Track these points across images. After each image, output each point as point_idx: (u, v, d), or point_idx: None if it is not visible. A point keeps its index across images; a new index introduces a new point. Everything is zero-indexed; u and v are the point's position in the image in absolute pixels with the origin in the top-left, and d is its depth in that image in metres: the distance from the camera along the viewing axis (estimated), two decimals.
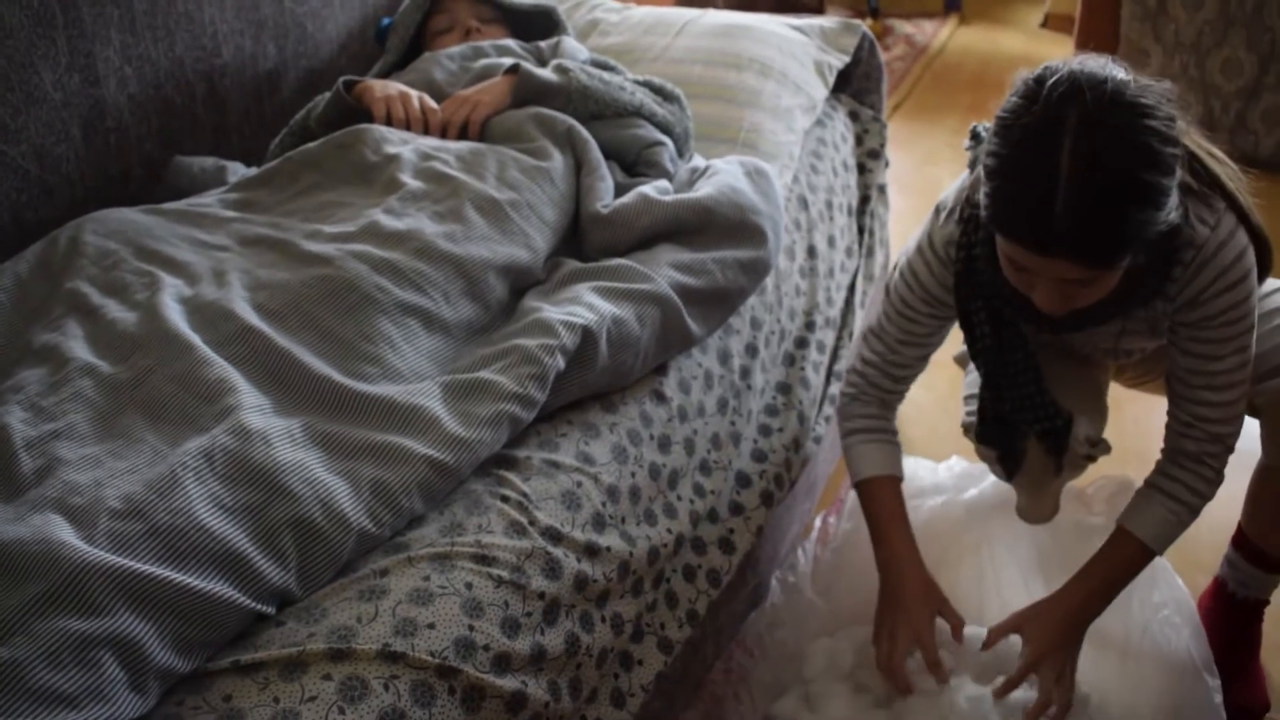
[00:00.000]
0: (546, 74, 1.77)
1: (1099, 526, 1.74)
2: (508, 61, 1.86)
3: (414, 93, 1.78)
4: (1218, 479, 1.54)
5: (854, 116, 2.32)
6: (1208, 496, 1.55)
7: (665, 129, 1.82)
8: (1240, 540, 1.80)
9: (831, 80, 2.22)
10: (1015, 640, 1.59)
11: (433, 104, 1.77)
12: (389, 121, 1.74)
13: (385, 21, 2.26)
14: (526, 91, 1.76)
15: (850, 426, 1.68)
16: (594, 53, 2.10)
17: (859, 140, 2.31)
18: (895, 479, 1.66)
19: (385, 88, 1.79)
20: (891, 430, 1.70)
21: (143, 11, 1.87)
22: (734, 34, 2.18)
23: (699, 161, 1.79)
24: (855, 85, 2.37)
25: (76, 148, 1.80)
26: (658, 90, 1.87)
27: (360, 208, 1.53)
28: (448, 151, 1.62)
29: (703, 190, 1.61)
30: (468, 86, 1.84)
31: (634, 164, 1.77)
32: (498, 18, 2.11)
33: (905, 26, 4.73)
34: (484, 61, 1.89)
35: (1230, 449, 1.53)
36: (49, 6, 1.71)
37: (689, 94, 2.00)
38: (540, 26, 2.15)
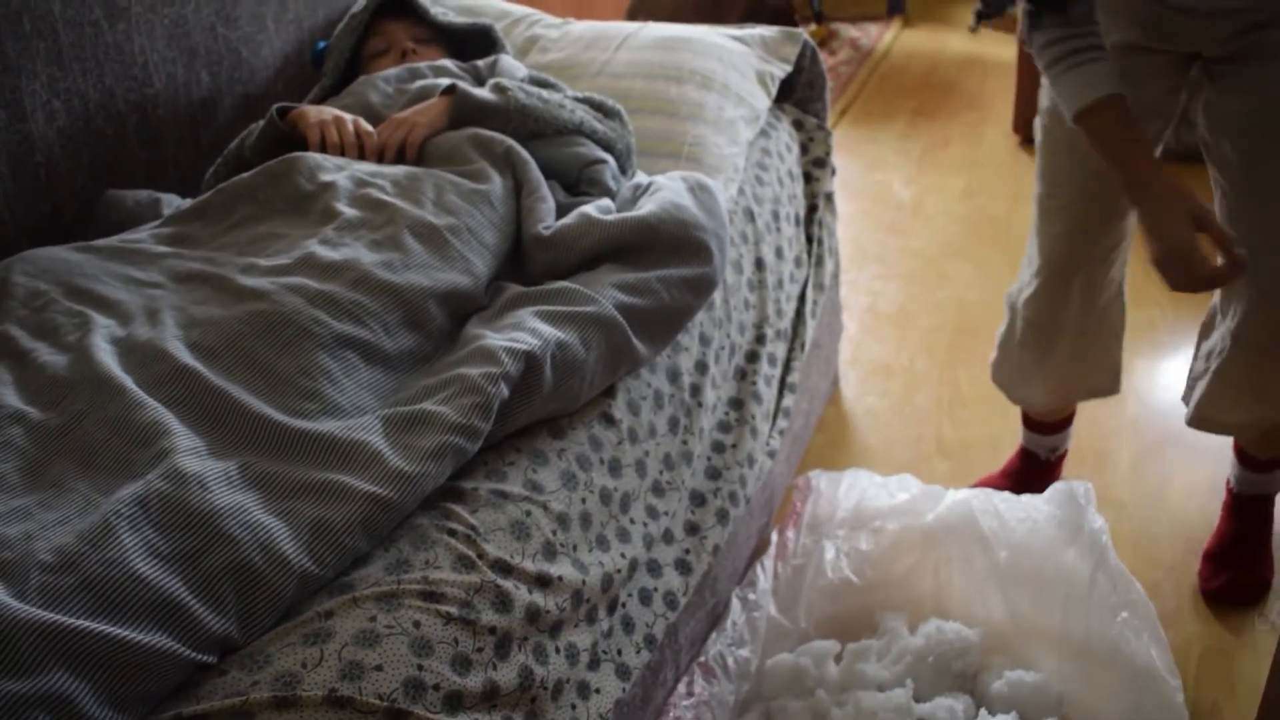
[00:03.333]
0: (484, 93, 1.74)
1: (1057, 539, 1.74)
2: (444, 82, 1.83)
3: (349, 117, 1.75)
4: None
5: (798, 125, 2.31)
6: None
7: (607, 146, 1.79)
8: (1235, 446, 2.01)
9: (774, 90, 2.20)
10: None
11: (368, 128, 1.74)
12: (324, 147, 1.71)
13: (321, 45, 2.23)
14: (464, 112, 1.73)
15: (1050, 57, 1.55)
16: (534, 70, 2.08)
17: (804, 149, 2.29)
18: (1119, 96, 1.53)
19: (319, 113, 1.76)
20: (1097, 44, 1.54)
21: (69, 44, 1.83)
22: (674, 47, 2.17)
23: (642, 178, 1.77)
24: (799, 94, 2.36)
25: (5, 185, 1.76)
26: (598, 106, 1.85)
27: (296, 239, 1.50)
28: (384, 177, 1.59)
29: (645, 208, 1.59)
30: (404, 109, 1.81)
31: (576, 183, 1.75)
32: (434, 38, 2.08)
33: (850, 30, 4.75)
34: (420, 83, 1.86)
35: None
36: None
37: (631, 109, 1.98)
38: (478, 46, 2.12)
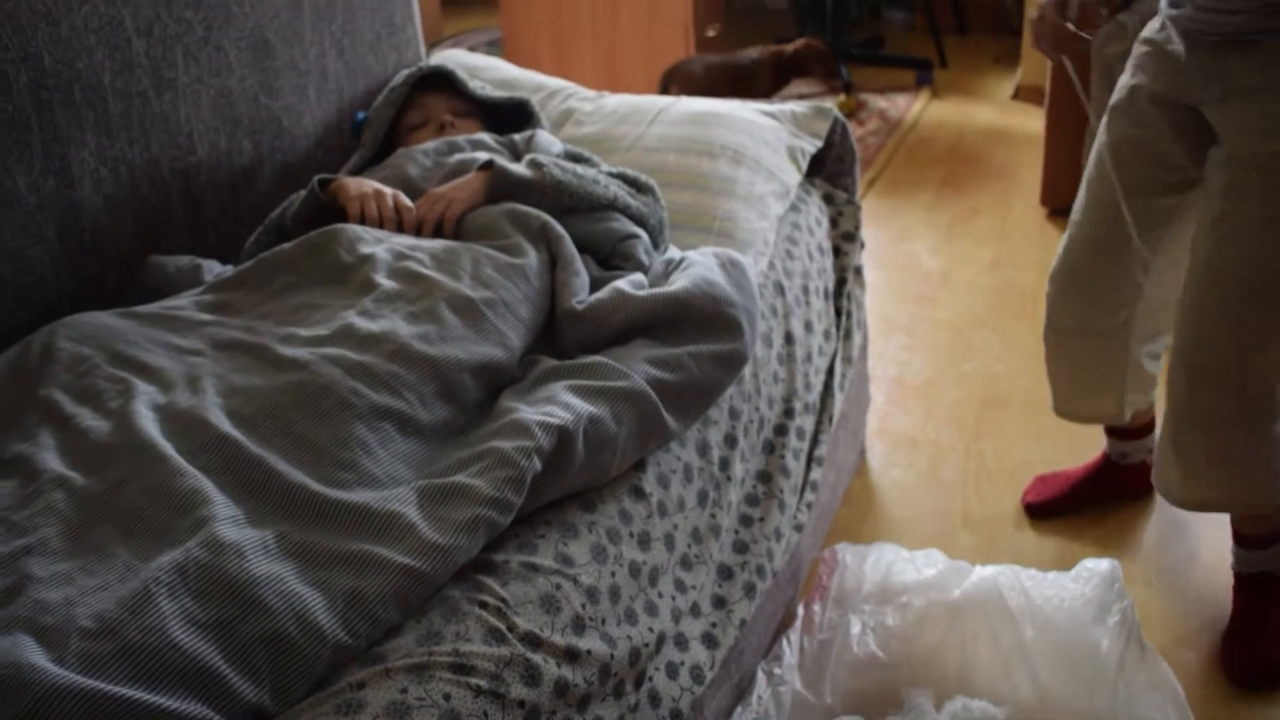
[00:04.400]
0: (520, 169, 1.78)
1: (1084, 617, 1.74)
2: (482, 157, 1.87)
3: (388, 190, 1.79)
4: None
5: (828, 199, 2.34)
6: None
7: (640, 221, 1.82)
8: (1231, 524, 2.06)
9: (805, 165, 2.23)
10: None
11: (407, 202, 1.78)
12: (363, 220, 1.75)
13: (361, 116, 2.28)
14: (500, 187, 1.77)
15: None
16: (568, 143, 2.12)
17: (834, 223, 2.32)
18: None
19: (360, 185, 1.80)
20: None
21: (118, 113, 1.88)
22: (707, 121, 2.20)
23: (674, 253, 1.80)
24: (829, 168, 2.39)
25: (51, 250, 1.80)
26: (631, 182, 1.88)
27: (335, 309, 1.53)
28: (422, 250, 1.62)
29: (678, 284, 1.62)
30: (442, 182, 1.85)
31: (609, 257, 1.77)
32: (472, 111, 2.13)
33: (879, 101, 4.79)
34: (458, 156, 1.90)
35: None
36: (23, 112, 1.72)
37: (663, 182, 2.02)
38: (514, 119, 2.16)
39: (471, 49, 5.71)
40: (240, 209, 2.14)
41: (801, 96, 4.87)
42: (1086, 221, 2.08)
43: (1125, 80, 1.99)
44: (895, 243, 3.62)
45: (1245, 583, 2.05)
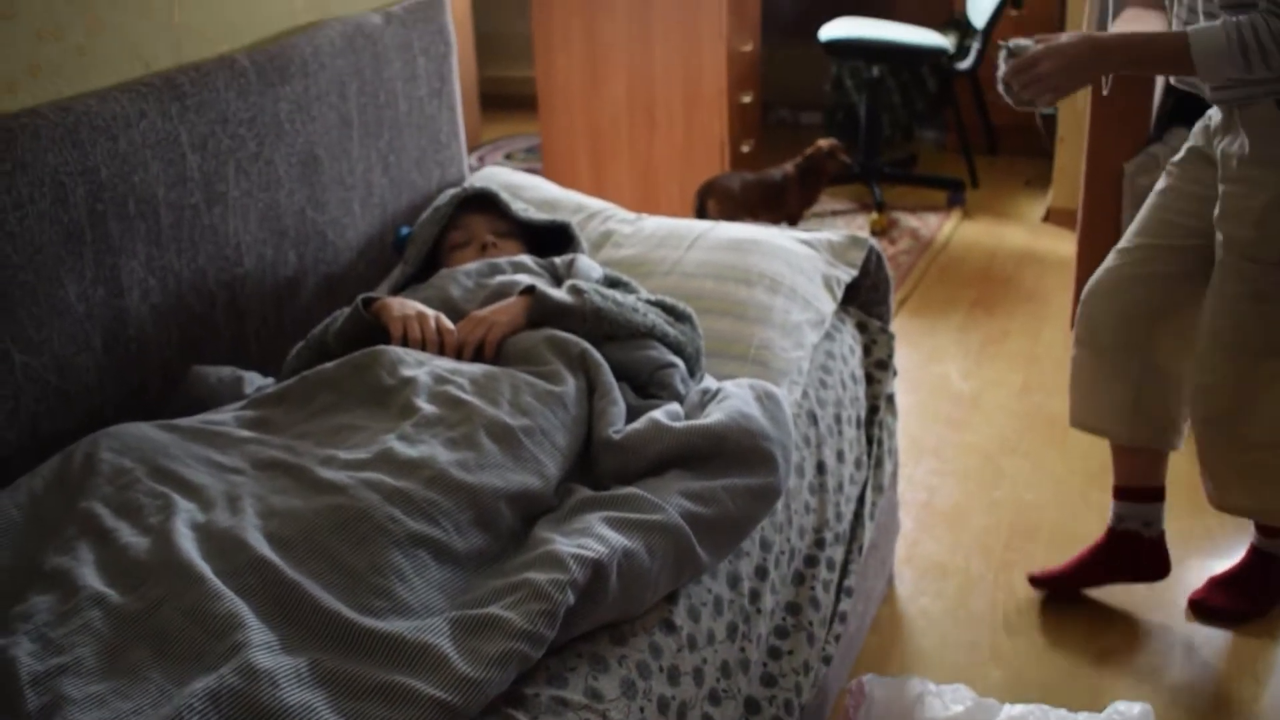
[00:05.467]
0: (561, 295, 1.81)
1: None
2: (523, 280, 1.90)
3: (430, 312, 1.82)
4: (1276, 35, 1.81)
5: (862, 327, 2.36)
6: (1260, 35, 1.82)
7: (677, 349, 1.85)
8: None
9: (840, 294, 2.26)
10: None
11: (449, 324, 1.81)
12: (405, 341, 1.77)
13: (404, 231, 2.32)
14: (541, 313, 1.80)
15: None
16: (607, 265, 2.15)
17: (867, 351, 2.34)
18: None
19: (403, 306, 1.83)
20: None
21: (169, 225, 1.92)
22: (744, 248, 2.24)
23: (710, 383, 1.82)
24: (863, 296, 2.41)
25: (98, 358, 1.83)
26: (670, 310, 1.90)
27: (375, 432, 1.55)
28: (462, 375, 1.64)
29: (714, 416, 1.63)
30: (484, 304, 1.88)
31: (646, 385, 1.79)
32: (513, 232, 2.17)
33: (911, 220, 4.84)
34: (500, 279, 1.93)
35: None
36: (78, 223, 1.77)
37: (700, 309, 2.04)
38: (555, 240, 2.20)
39: (509, 155, 5.82)
40: (283, 320, 2.17)
41: (834, 213, 4.93)
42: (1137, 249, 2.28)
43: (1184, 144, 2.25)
44: (926, 364, 3.64)
45: (1257, 553, 2.44)
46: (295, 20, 2.29)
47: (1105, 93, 2.30)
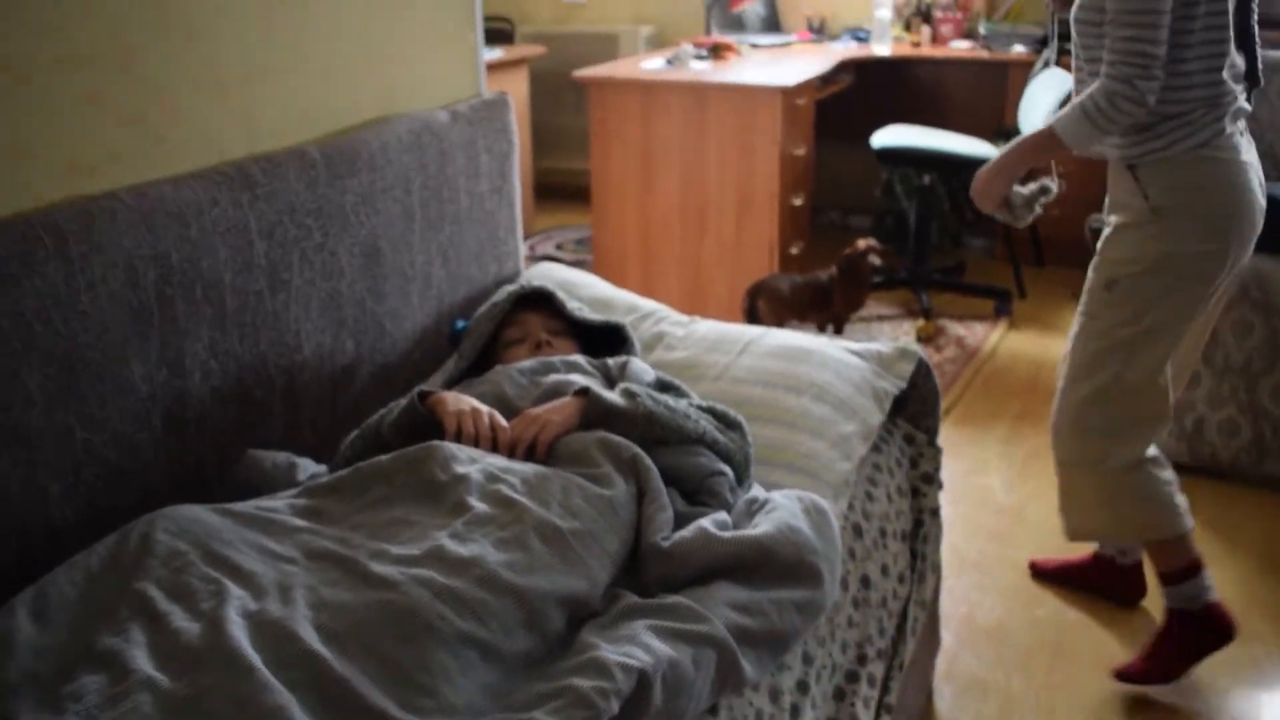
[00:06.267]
0: (614, 398, 1.83)
1: None
2: (577, 380, 1.93)
3: (485, 409, 1.84)
4: (1110, 95, 2.20)
5: (909, 440, 2.36)
6: (1098, 101, 2.21)
7: (726, 457, 1.86)
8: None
9: (888, 406, 2.27)
10: None
11: (502, 422, 1.83)
12: (459, 436, 1.80)
13: (460, 324, 2.36)
14: (594, 415, 1.82)
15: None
16: (658, 367, 2.17)
17: (913, 463, 2.34)
18: None
19: (458, 401, 1.85)
20: None
21: (233, 310, 1.97)
22: (794, 356, 2.25)
23: (758, 493, 1.82)
24: (911, 409, 2.42)
25: (157, 436, 1.86)
26: (720, 417, 1.92)
27: (427, 528, 1.56)
28: (514, 474, 1.66)
29: (762, 527, 1.64)
30: (537, 402, 1.90)
31: (694, 492, 1.80)
32: (568, 331, 2.20)
33: (957, 328, 4.85)
34: (553, 377, 1.96)
35: (1124, 80, 2.18)
36: (147, 305, 1.81)
37: (749, 415, 2.05)
38: (609, 340, 2.23)
39: (560, 245, 5.90)
40: (338, 407, 2.20)
41: (881, 318, 4.95)
42: None
43: None
44: (969, 475, 3.62)
45: (1166, 614, 2.58)
46: (365, 115, 2.36)
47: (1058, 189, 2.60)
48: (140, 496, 1.82)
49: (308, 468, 1.90)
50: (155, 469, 1.86)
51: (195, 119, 1.98)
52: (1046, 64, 4.96)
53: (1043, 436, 3.89)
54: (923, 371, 2.37)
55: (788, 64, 4.97)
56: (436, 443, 1.72)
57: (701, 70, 4.78)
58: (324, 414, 2.18)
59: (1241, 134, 2.33)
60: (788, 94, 4.45)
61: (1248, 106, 2.32)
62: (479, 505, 1.59)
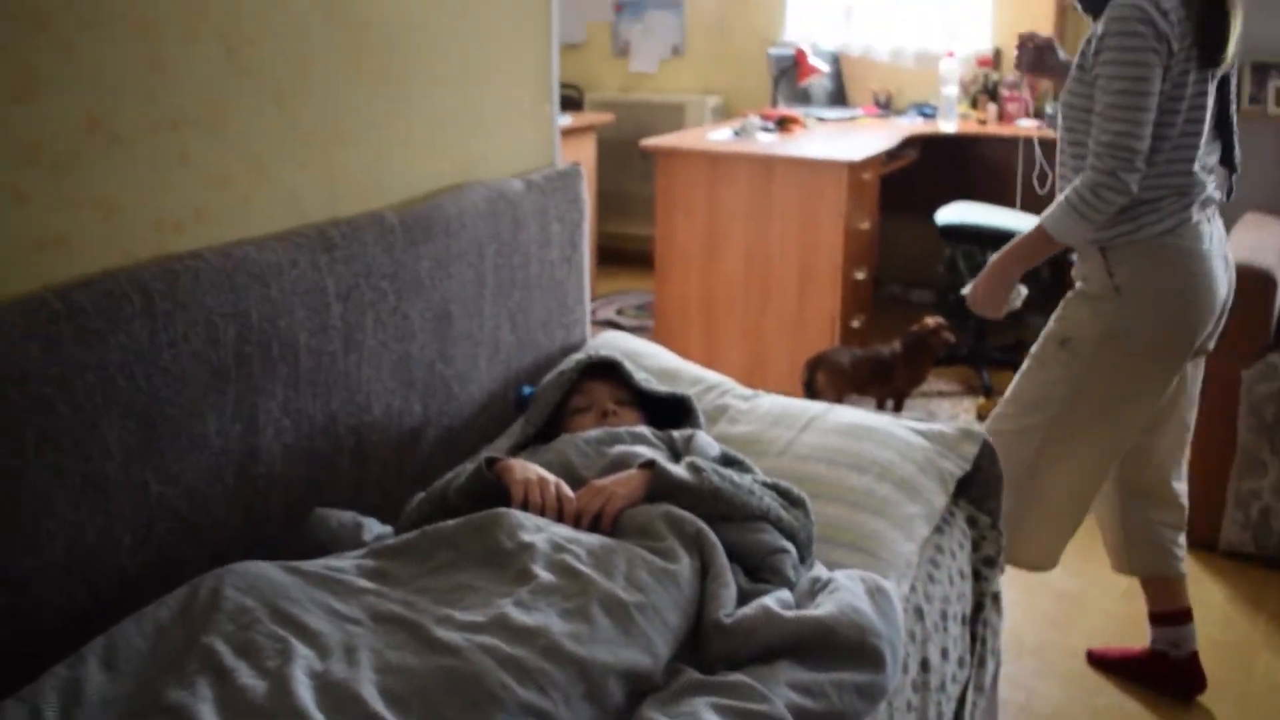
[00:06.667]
0: (680, 472, 1.84)
1: None
2: (643, 451, 1.94)
3: (551, 479, 1.86)
4: (1095, 188, 2.31)
5: (971, 522, 2.35)
6: (1083, 195, 2.33)
7: (790, 534, 1.86)
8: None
9: (952, 488, 2.26)
10: None
11: (568, 492, 1.84)
12: (526, 504, 1.81)
13: (526, 390, 2.38)
14: (660, 488, 1.83)
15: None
16: (722, 441, 2.18)
17: (975, 546, 2.32)
18: None
19: (525, 470, 1.87)
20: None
21: (307, 369, 2.00)
22: (858, 434, 2.25)
23: (821, 572, 1.82)
24: (974, 491, 2.40)
25: (228, 491, 1.89)
26: (784, 494, 1.92)
27: (491, 594, 1.57)
28: (580, 545, 1.67)
29: (824, 608, 1.64)
30: (603, 472, 1.92)
31: (757, 568, 1.80)
32: (634, 401, 2.21)
33: None
34: (619, 448, 1.97)
35: (1108, 173, 2.29)
36: (225, 363, 1.85)
37: (812, 493, 2.05)
38: (673, 413, 2.24)
39: (621, 310, 5.94)
40: (404, 467, 2.23)
41: (941, 394, 4.92)
42: None
43: None
44: None
45: (1153, 653, 2.84)
46: (442, 181, 2.41)
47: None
48: (209, 550, 1.85)
49: (373, 528, 1.93)
50: (225, 524, 1.89)
51: (279, 181, 2.03)
52: None
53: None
54: (987, 454, 2.36)
55: (854, 138, 5.01)
56: (503, 510, 1.74)
57: (768, 142, 4.82)
58: (390, 474, 2.21)
59: (1209, 221, 2.44)
60: (854, 168, 4.48)
61: (1216, 195, 2.45)
62: (544, 574, 1.60)
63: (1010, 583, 3.33)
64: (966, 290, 2.61)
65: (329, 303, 2.03)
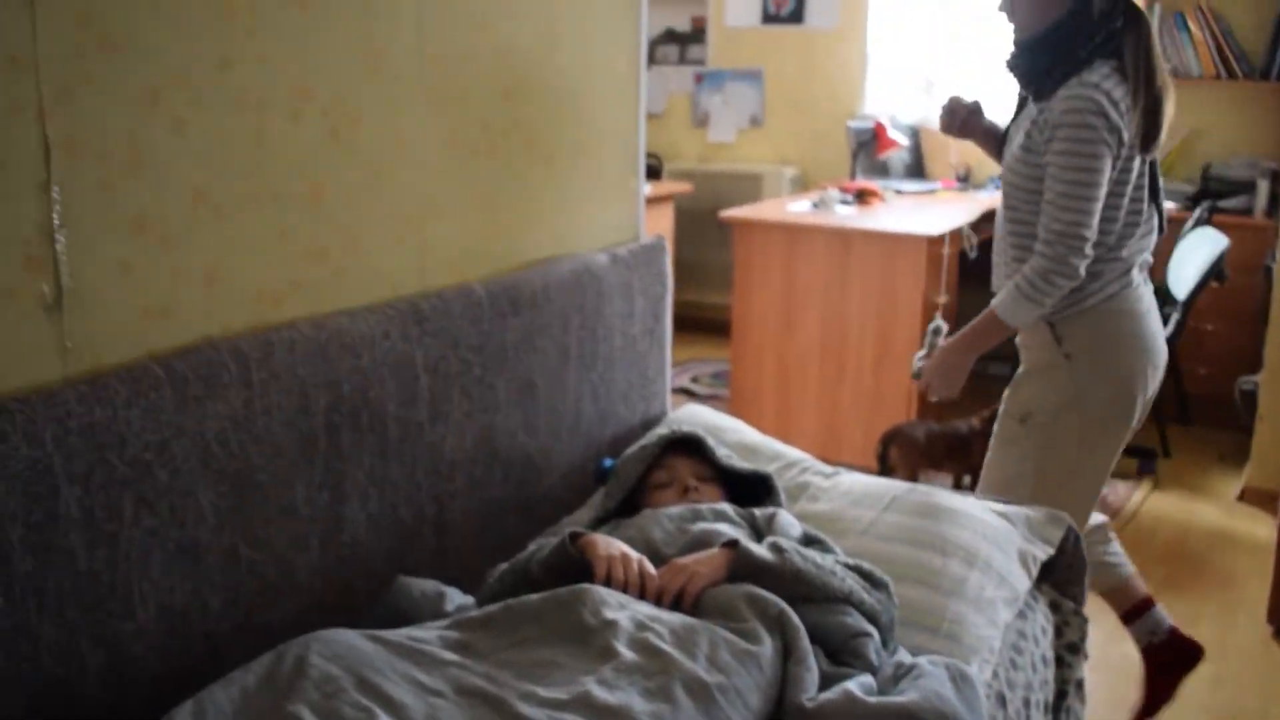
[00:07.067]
0: (763, 552, 1.84)
1: None
2: (725, 530, 1.94)
3: (635, 555, 1.86)
4: (1045, 275, 2.41)
5: (1054, 607, 2.31)
6: (1034, 281, 2.42)
7: (872, 618, 1.84)
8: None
9: (1035, 572, 2.23)
10: None
11: (651, 569, 1.85)
12: (609, 581, 1.82)
13: (607, 463, 2.39)
14: (743, 569, 1.82)
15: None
16: (802, 519, 2.18)
17: (1059, 632, 2.29)
18: None
19: (608, 545, 1.88)
20: None
21: (394, 439, 2.03)
22: (940, 515, 2.24)
23: (904, 657, 1.80)
24: (1058, 575, 2.37)
25: (313, 558, 1.92)
26: (866, 575, 1.91)
27: (574, 671, 1.58)
28: (662, 623, 1.67)
29: (908, 694, 1.62)
30: (684, 550, 1.92)
31: (838, 651, 1.79)
32: (715, 477, 2.22)
33: None
34: (701, 526, 1.97)
35: (1059, 260, 2.39)
36: (315, 432, 1.89)
37: (893, 574, 2.03)
38: (754, 491, 2.24)
39: (696, 378, 5.95)
40: (485, 537, 2.25)
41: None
42: None
43: None
44: (1111, 642, 3.50)
45: (1142, 656, 2.96)
46: (529, 255, 2.45)
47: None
48: (294, 614, 1.88)
49: (455, 598, 1.94)
50: (308, 589, 1.92)
51: (372, 254, 2.08)
52: (1199, 223, 4.91)
53: (1189, 605, 3.77)
54: (1071, 538, 2.32)
55: (932, 211, 5.01)
56: (587, 586, 1.74)
57: (846, 215, 4.84)
58: (469, 545, 2.23)
59: (1145, 283, 2.57)
60: (932, 242, 4.48)
61: (1150, 259, 2.58)
62: (627, 653, 1.60)
63: (1091, 668, 3.26)
64: (915, 373, 2.73)
65: (417, 374, 2.06)
